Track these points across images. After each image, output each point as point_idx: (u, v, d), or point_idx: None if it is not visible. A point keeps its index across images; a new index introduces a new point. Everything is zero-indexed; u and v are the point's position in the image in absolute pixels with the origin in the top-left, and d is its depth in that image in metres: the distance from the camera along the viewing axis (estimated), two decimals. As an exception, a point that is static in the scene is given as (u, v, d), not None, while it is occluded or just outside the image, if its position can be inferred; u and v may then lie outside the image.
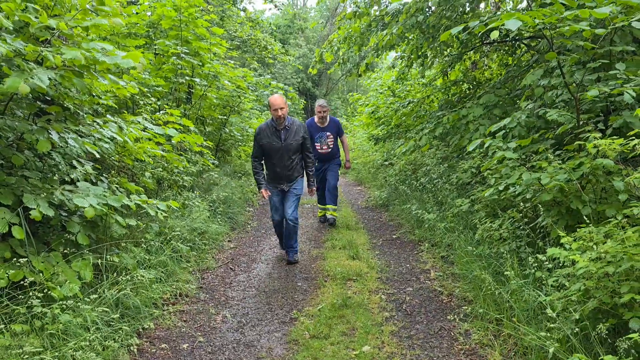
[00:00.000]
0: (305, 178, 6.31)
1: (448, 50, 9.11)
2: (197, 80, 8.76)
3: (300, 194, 6.18)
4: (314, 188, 6.40)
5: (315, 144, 7.76)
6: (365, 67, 9.34)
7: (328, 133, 7.83)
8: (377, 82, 14.86)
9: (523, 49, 8.50)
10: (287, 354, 3.87)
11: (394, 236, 7.19)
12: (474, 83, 9.74)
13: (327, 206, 8.07)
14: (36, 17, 3.50)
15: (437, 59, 9.71)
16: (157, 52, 8.88)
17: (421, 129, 7.38)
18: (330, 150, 7.86)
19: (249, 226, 8.35)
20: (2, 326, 3.26)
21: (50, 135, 3.88)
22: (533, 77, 5.07)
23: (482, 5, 9.50)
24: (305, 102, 22.19)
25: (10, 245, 3.79)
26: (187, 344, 4.14)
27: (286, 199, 6.11)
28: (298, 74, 34.56)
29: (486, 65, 10.69)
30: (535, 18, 3.70)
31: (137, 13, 8.76)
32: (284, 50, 21.00)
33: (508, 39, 7.29)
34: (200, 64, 8.91)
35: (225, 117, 10.78)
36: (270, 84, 12.09)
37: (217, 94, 9.89)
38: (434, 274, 5.37)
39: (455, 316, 4.29)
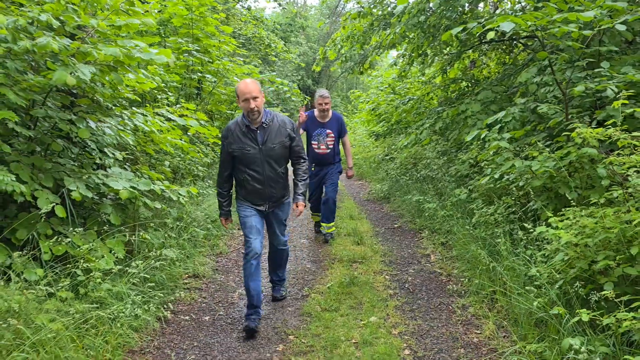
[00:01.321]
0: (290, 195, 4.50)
1: (448, 49, 9.48)
2: (207, 76, 9.15)
3: (286, 217, 4.51)
4: (302, 203, 4.36)
5: (312, 142, 6.54)
6: (369, 64, 9.71)
7: (328, 130, 6.49)
8: (377, 80, 15.24)
9: (520, 48, 8.90)
10: (300, 324, 4.27)
11: (396, 225, 7.59)
12: (473, 81, 10.13)
13: (322, 224, 6.83)
14: (78, 17, 3.89)
15: (437, 58, 10.10)
16: (167, 49, 9.25)
17: (422, 124, 7.78)
18: (329, 151, 6.52)
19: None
20: (52, 290, 3.65)
21: (89, 124, 4.26)
22: (527, 74, 5.46)
23: (480, 5, 9.90)
24: (309, 98, 22.53)
25: (50, 223, 4.18)
26: (209, 317, 4.53)
27: (271, 227, 4.46)
28: (298, 71, 34.92)
29: (484, 64, 11.08)
30: (527, 20, 4.10)
31: (146, 11, 9.14)
32: (286, 48, 21.39)
33: (505, 38, 7.67)
34: (210, 60, 9.29)
35: (232, 112, 11.16)
36: (274, 80, 12.46)
37: (226, 89, 10.27)
38: (434, 258, 5.77)
39: (454, 293, 4.69)
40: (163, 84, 7.50)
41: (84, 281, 3.86)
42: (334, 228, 6.89)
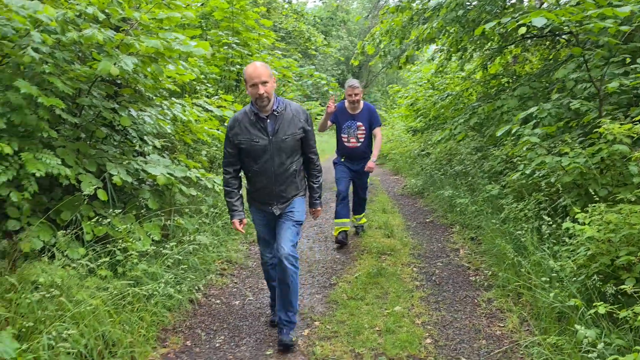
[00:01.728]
0: (307, 195, 4.05)
1: (489, 44, 9.39)
2: (247, 69, 9.34)
3: (301, 220, 3.84)
4: (319, 208, 4.04)
5: (342, 135, 6.15)
6: (406, 59, 9.71)
7: (359, 123, 6.07)
8: (416, 75, 15.17)
9: (563, 44, 8.74)
10: (327, 311, 4.39)
11: (428, 220, 7.62)
12: (514, 77, 10.00)
13: (353, 217, 6.66)
14: (122, 10, 4.09)
15: (477, 53, 10.01)
16: (209, 42, 9.49)
17: (457, 119, 7.76)
18: (359, 145, 6.11)
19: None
20: (93, 267, 3.88)
21: (130, 113, 4.47)
22: (565, 71, 5.40)
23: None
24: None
25: (92, 206, 4.42)
26: (239, 301, 4.70)
27: (279, 227, 3.79)
28: (339, 65, 34.96)
29: (526, 60, 10.91)
30: (561, 16, 4.08)
31: (187, 5, 9.40)
32: (326, 42, 21.49)
33: (543, 33, 7.56)
34: (249, 53, 9.48)
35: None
36: (313, 74, 12.58)
37: (264, 82, 10.44)
38: (462, 252, 5.79)
39: (480, 286, 4.72)
40: (202, 76, 7.71)
41: (122, 261, 4.08)
42: (364, 220, 6.74)
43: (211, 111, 5.77)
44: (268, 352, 3.73)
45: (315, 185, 3.95)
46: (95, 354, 3.35)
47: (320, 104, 20.93)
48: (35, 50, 3.62)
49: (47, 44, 3.71)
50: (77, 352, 3.22)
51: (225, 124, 6.99)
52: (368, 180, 6.59)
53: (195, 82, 7.49)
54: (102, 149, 4.74)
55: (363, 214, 6.74)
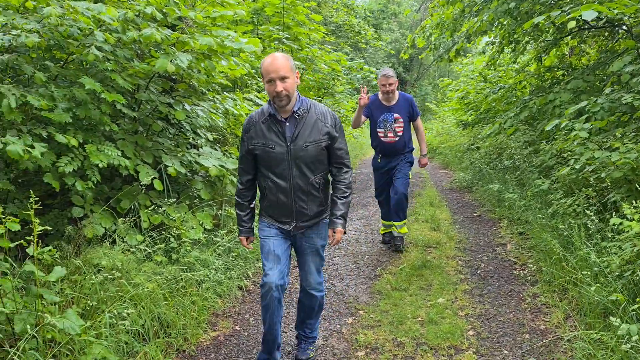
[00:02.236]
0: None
1: (543, 36, 9.18)
2: (297, 63, 9.50)
3: (322, 245, 3.28)
4: (341, 229, 3.17)
5: (378, 129, 5.63)
6: (456, 52, 9.62)
7: (396, 114, 5.55)
8: (468, 68, 14.96)
9: (622, 35, 8.44)
10: (370, 300, 4.49)
11: (475, 214, 7.57)
12: (570, 69, 9.73)
13: (393, 223, 5.81)
14: (179, 10, 4.29)
15: (530, 45, 9.80)
16: (260, 37, 9.70)
17: (508, 113, 7.66)
18: (397, 139, 5.57)
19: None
20: (150, 252, 4.13)
21: (185, 107, 4.70)
22: (620, 63, 5.27)
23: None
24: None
25: (149, 195, 4.67)
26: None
27: (302, 256, 3.30)
28: (389, 58, 34.75)
29: (583, 52, 10.59)
30: (614, 8, 4.00)
31: (239, 2, 9.64)
32: (376, 35, 21.43)
33: (600, 25, 7.35)
34: (299, 48, 9.64)
35: (319, 98, 11.47)
36: (362, 67, 12.63)
37: (313, 76, 10.59)
38: (510, 247, 5.75)
39: (525, 281, 4.70)
40: (253, 70, 7.92)
41: (176, 248, 4.32)
42: (405, 229, 5.84)
43: (261, 104, 5.94)
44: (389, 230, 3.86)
45: (339, 201, 3.15)
46: (152, 333, 3.57)
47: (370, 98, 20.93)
48: (99, 48, 3.86)
49: (109, 42, 3.95)
50: (135, 330, 3.45)
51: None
52: (410, 174, 5.78)
53: (246, 77, 7.70)
54: (158, 142, 4.99)
55: (404, 220, 5.77)
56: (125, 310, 3.32)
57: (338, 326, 4.04)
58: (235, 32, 7.68)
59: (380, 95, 5.66)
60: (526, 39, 9.19)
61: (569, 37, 9.28)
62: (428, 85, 39.15)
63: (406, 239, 6.26)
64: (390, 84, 5.48)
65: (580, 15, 3.91)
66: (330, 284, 4.94)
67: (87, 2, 3.70)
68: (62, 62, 4.39)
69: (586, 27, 8.22)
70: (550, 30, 8.78)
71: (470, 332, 3.80)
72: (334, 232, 3.16)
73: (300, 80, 10.33)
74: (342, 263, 5.55)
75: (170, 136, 5.21)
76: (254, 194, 3.30)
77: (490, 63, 10.91)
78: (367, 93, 5.21)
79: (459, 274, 5.01)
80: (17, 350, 2.80)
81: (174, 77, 5.36)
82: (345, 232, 3.19)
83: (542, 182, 5.88)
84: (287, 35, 9.18)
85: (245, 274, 4.90)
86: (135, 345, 3.43)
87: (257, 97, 6.16)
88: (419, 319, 4.05)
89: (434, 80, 38.73)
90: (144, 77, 4.83)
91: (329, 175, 3.24)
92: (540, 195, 6.07)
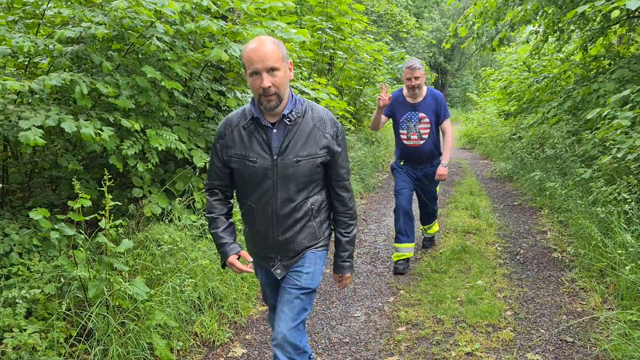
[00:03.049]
0: (328, 249, 2.60)
1: (589, 24, 9.06)
2: (339, 52, 9.67)
3: (311, 287, 2.49)
4: (348, 274, 2.61)
5: (400, 131, 4.90)
6: (499, 41, 9.60)
7: (421, 114, 4.80)
8: (511, 57, 14.80)
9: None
10: (411, 282, 4.67)
11: (516, 203, 7.62)
12: (617, 59, 9.57)
13: (421, 227, 5.55)
14: (231, 1, 4.53)
15: (576, 34, 9.67)
16: (303, 27, 9.92)
17: (551, 103, 7.65)
18: (423, 143, 4.83)
19: (378, 188, 9.20)
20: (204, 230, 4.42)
21: (235, 95, 4.95)
22: (666, 52, 5.24)
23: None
24: (436, 75, 22.30)
25: (201, 178, 4.96)
26: (329, 270, 5.07)
27: (280, 297, 2.51)
28: (430, 48, 34.43)
29: (632, 40, 10.37)
30: (660, -3, 4.02)
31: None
32: (418, 24, 21.33)
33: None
34: (342, 38, 9.80)
35: (360, 87, 11.62)
36: (404, 57, 12.69)
37: (355, 65, 10.74)
38: (550, 235, 5.82)
39: (564, 267, 4.79)
40: (298, 60, 8.13)
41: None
42: (436, 227, 5.53)
43: (306, 93, 6.16)
44: (357, 314, 4.08)
45: (344, 239, 2.49)
46: (206, 305, 3.86)
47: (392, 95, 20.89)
48: (159, 39, 4.14)
49: (168, 34, 4.22)
50: (192, 301, 3.74)
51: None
52: (438, 188, 5.28)
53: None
54: (209, 127, 5.26)
55: (434, 222, 5.50)
56: (184, 282, 3.61)
57: (380, 304, 4.24)
58: (281, 22, 7.93)
59: (405, 91, 4.89)
60: (571, 27, 9.08)
61: (617, 25, 9.13)
62: (469, 75, 38.62)
63: (447, 226, 6.40)
64: (416, 78, 4.70)
65: (624, 5, 3.96)
66: (372, 266, 5.14)
67: (150, -4, 3.97)
68: (122, 53, 4.70)
69: (634, 15, 8.08)
70: (597, 19, 8.66)
71: (508, 313, 3.94)
72: (342, 277, 2.59)
73: (342, 70, 10.59)
74: (384, 246, 5.74)
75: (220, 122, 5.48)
76: (228, 207, 2.49)
77: (534, 52, 10.81)
78: (388, 93, 4.60)
79: (498, 259, 5.13)
80: (91, 315, 3.11)
81: (224, 66, 5.62)
82: (354, 273, 2.51)
83: (584, 171, 5.91)
84: (330, 25, 9.36)
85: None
86: (193, 315, 3.71)
87: (302, 85, 6.37)
88: (458, 299, 4.21)
89: (475, 70, 38.17)
90: (197, 66, 5.10)
91: (326, 198, 2.47)
92: (582, 184, 6.09)
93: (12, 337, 2.79)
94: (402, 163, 5.02)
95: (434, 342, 3.54)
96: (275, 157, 2.26)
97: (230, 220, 2.49)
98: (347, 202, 2.48)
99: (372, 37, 11.99)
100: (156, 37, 4.09)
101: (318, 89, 7.11)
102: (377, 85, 13.00)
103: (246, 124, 2.30)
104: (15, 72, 4.43)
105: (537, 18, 8.93)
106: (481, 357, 3.32)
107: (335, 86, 10.77)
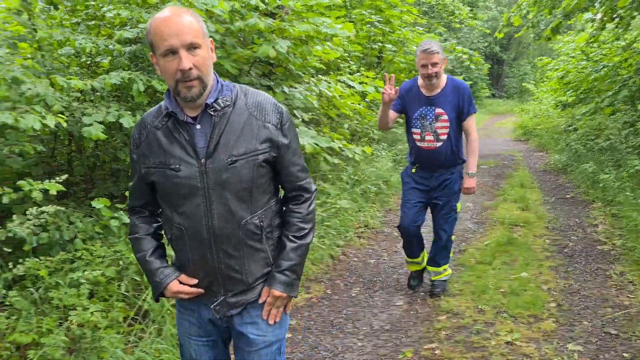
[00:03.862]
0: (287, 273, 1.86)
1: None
2: (388, 45, 9.70)
3: (280, 337, 1.92)
4: (279, 292, 1.83)
5: (413, 129, 3.97)
6: (551, 31, 9.36)
7: (439, 110, 3.85)
8: (569, 46, 14.35)
9: None
10: (454, 273, 4.71)
11: (568, 195, 7.47)
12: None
13: (429, 268, 4.29)
14: (279, -1, 4.70)
15: (638, 19, 9.30)
16: (352, 20, 9.99)
17: (608, 93, 7.44)
18: (440, 145, 3.89)
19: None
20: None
21: (283, 90, 5.12)
22: None
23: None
24: (490, 66, 21.83)
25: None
26: (374, 260, 5.20)
27: (236, 351, 1.94)
28: (485, 37, 33.65)
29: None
30: None
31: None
32: (472, 14, 20.94)
33: None
34: (391, 30, 9.82)
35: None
36: (454, 49, 12.55)
37: (404, 58, 10.73)
38: (601, 228, 5.71)
39: (614, 260, 4.71)
40: (346, 54, 8.24)
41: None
42: (448, 272, 4.28)
43: (353, 87, 6.27)
44: (399, 303, 4.18)
45: (290, 244, 1.84)
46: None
47: (464, 78, 20.55)
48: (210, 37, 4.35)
49: (219, 32, 4.43)
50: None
51: (367, 99, 7.47)
52: (459, 206, 4.13)
53: (339, 60, 8.04)
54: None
55: (445, 264, 4.23)
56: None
57: (422, 293, 4.31)
58: (329, 17, 8.03)
59: (419, 81, 3.93)
60: (634, 13, 8.74)
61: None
62: (527, 65, 37.52)
63: (494, 218, 6.37)
64: (433, 64, 3.69)
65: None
66: (416, 257, 5.22)
67: (201, -4, 4.17)
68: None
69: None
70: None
71: (552, 304, 3.94)
72: (274, 296, 1.83)
73: (390, 63, 10.60)
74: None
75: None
76: (158, 229, 1.97)
77: (591, 40, 10.47)
78: (395, 85, 3.71)
79: (545, 252, 5.10)
80: (147, 297, 3.36)
81: (272, 61, 5.80)
82: (294, 297, 1.89)
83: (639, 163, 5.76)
84: (379, 19, 9.39)
85: (336, 244, 5.28)
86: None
87: (349, 79, 6.48)
88: (501, 290, 4.23)
89: (532, 59, 37.07)
90: (246, 62, 5.30)
91: (280, 209, 1.91)
92: (636, 176, 5.93)
93: (76, 315, 3.06)
94: (414, 170, 4.06)
95: (474, 331, 3.60)
96: (202, 160, 1.71)
97: (159, 240, 1.95)
98: (301, 203, 1.88)
99: (422, 29, 11.92)
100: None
101: (365, 83, 7.20)
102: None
103: (159, 123, 1.74)
104: (79, 71, 4.76)
105: (596, 4, 8.65)
106: (521, 346, 3.36)
107: (384, 79, 10.80)
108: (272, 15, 5.41)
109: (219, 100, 1.72)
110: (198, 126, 1.73)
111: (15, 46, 4.47)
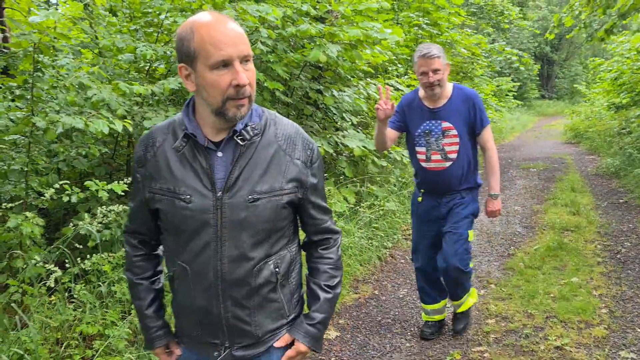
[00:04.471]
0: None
1: None
2: (435, 48, 9.69)
3: None
4: (303, 347, 1.61)
5: (417, 148, 3.41)
6: (606, 31, 9.14)
7: (445, 124, 3.30)
8: (623, 47, 13.91)
9: None
10: (502, 276, 4.70)
11: (621, 200, 7.28)
12: None
13: (442, 302, 3.71)
14: (329, 4, 4.80)
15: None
16: (400, 22, 10.02)
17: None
18: (449, 165, 3.34)
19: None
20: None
21: (332, 93, 5.23)
22: None
23: None
24: (538, 67, 21.31)
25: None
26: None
27: None
28: (535, 38, 32.90)
29: None
30: None
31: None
32: (521, 14, 20.54)
33: None
34: (439, 32, 9.79)
35: (458, 82, 11.53)
36: (504, 50, 12.39)
37: (452, 60, 10.67)
38: (656, 234, 5.56)
39: (670, 268, 4.60)
40: (394, 57, 8.28)
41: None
42: (474, 297, 3.73)
43: (401, 90, 6.31)
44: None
45: (324, 295, 1.65)
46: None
47: (512, 79, 20.15)
48: (263, 43, 4.50)
49: (271, 37, 4.57)
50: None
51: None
52: (471, 234, 3.45)
53: (387, 63, 8.09)
54: (307, 124, 5.59)
55: (466, 295, 3.61)
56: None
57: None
58: (376, 20, 8.10)
59: (421, 92, 3.36)
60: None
61: None
62: (578, 66, 36.45)
63: (543, 223, 6.28)
64: (435, 71, 3.12)
65: None
66: (464, 260, 5.22)
67: (255, 4, 4.32)
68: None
69: None
70: None
71: (603, 310, 3.89)
72: (293, 343, 1.63)
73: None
74: (476, 241, 5.77)
75: (318, 120, 5.79)
76: (157, 266, 1.76)
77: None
78: (392, 99, 3.09)
79: (596, 257, 5.01)
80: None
81: (321, 65, 5.92)
82: (318, 352, 1.68)
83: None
84: (427, 21, 9.39)
85: (383, 245, 5.34)
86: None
87: (397, 82, 6.53)
88: (551, 295, 4.20)
89: (585, 60, 35.97)
90: (296, 66, 5.43)
91: (297, 256, 1.68)
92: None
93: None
94: (420, 199, 3.50)
95: (523, 335, 3.60)
96: (219, 193, 1.49)
97: (158, 285, 1.73)
98: (334, 247, 1.71)
99: (470, 30, 11.82)
100: (260, 41, 4.45)
101: (413, 86, 7.22)
102: (475, 80, 12.77)
103: (180, 145, 1.51)
104: (137, 76, 5.00)
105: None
106: (571, 351, 3.34)
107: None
108: (321, 19, 5.53)
109: (248, 128, 1.50)
110: (219, 154, 1.51)
111: (80, 53, 4.75)
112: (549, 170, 10.17)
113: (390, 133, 3.36)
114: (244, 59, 1.41)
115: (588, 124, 15.40)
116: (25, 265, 3.13)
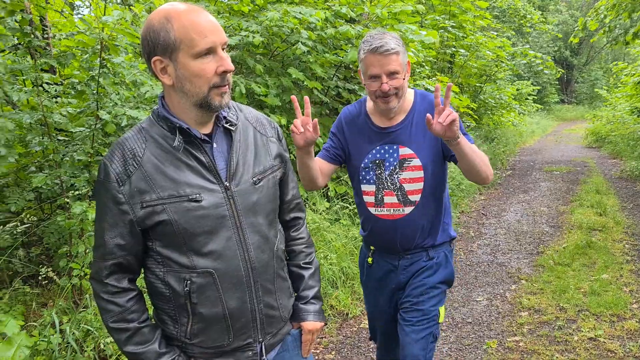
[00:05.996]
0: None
1: None
2: (461, 50, 9.80)
3: None
4: (316, 323, 1.69)
5: (362, 187, 2.22)
6: (634, 35, 9.19)
7: (406, 151, 2.13)
8: (647, 50, 13.90)
9: None
10: (533, 272, 4.82)
11: (647, 203, 7.36)
12: None
13: None
14: (366, 7, 4.97)
15: None
16: (424, 25, 10.14)
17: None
18: (413, 210, 2.14)
19: (497, 185, 9.22)
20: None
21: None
22: None
23: None
24: (562, 71, 21.26)
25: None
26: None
27: None
28: (555, 42, 32.76)
29: None
30: None
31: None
32: (542, 17, 20.54)
33: None
34: (464, 35, 9.90)
35: (481, 85, 11.61)
36: (527, 53, 12.44)
37: (476, 62, 10.78)
38: (684, 235, 5.64)
39: (699, 267, 4.69)
40: (421, 59, 8.42)
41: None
42: None
43: (430, 90, 6.45)
44: (478, 299, 4.34)
45: (306, 272, 1.73)
46: (340, 282, 4.33)
47: (531, 83, 20.12)
48: (304, 44, 4.67)
49: (311, 39, 4.74)
50: (332, 273, 4.23)
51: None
52: (442, 310, 2.26)
53: (414, 65, 8.22)
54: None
55: None
56: (327, 256, 4.11)
57: (502, 291, 4.46)
58: (403, 22, 8.24)
59: (368, 105, 2.25)
60: None
61: None
62: (599, 70, 36.18)
63: (570, 222, 6.38)
64: (391, 74, 2.01)
65: None
66: (493, 256, 5.34)
67: (297, 7, 4.50)
68: (267, 56, 5.31)
69: None
70: None
71: (635, 305, 4.00)
72: (307, 330, 1.69)
73: (462, 68, 10.68)
74: (504, 239, 5.89)
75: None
76: (135, 295, 1.50)
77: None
78: (314, 116, 2.55)
79: (625, 255, 5.11)
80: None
81: (352, 66, 6.08)
82: (325, 324, 1.70)
83: None
84: (453, 24, 9.50)
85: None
86: (329, 289, 4.20)
87: (427, 83, 6.66)
88: (582, 290, 4.32)
89: (605, 64, 35.70)
90: (331, 66, 5.59)
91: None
92: None
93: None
94: (370, 260, 2.35)
95: (557, 327, 3.72)
96: (226, 183, 1.46)
97: (142, 317, 1.49)
98: (303, 227, 1.76)
99: (494, 33, 11.91)
100: (301, 42, 4.62)
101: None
102: (497, 83, 12.83)
103: (178, 145, 1.42)
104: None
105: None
106: (604, 342, 3.46)
107: (456, 84, 10.86)
108: (352, 21, 5.68)
109: (230, 114, 1.52)
110: (215, 145, 1.48)
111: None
112: (572, 173, 10.23)
113: (323, 165, 2.24)
114: (223, 46, 1.40)
115: (610, 128, 15.37)
116: (86, 250, 3.33)
